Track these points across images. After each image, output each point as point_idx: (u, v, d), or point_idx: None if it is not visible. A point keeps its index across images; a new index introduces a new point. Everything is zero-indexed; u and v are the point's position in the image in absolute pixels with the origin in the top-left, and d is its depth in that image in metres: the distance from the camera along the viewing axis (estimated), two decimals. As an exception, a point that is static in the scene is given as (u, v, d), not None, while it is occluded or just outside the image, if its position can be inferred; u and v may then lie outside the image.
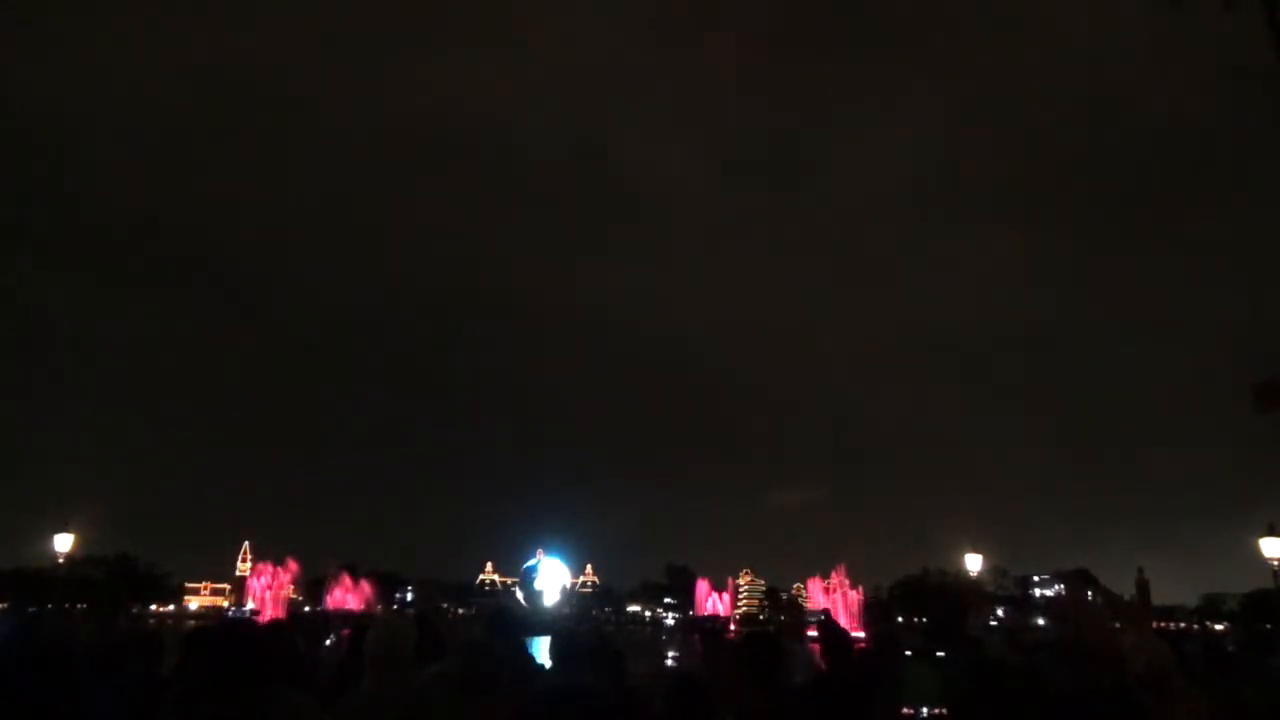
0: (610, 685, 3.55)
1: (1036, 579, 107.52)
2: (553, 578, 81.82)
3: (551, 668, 3.89)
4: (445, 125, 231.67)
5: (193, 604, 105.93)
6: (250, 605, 74.97)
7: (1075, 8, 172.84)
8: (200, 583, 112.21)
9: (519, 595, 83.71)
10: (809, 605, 77.99)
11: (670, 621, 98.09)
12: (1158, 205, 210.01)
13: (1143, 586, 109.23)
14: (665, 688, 3.24)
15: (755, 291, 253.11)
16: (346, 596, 76.04)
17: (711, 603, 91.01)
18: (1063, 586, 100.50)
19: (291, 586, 77.89)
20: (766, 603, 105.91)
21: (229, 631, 4.14)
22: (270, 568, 78.61)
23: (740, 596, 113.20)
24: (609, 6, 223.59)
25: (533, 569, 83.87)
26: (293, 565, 77.17)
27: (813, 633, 5.69)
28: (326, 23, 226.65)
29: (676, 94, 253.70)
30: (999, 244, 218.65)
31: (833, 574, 79.29)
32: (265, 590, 75.63)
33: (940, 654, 4.09)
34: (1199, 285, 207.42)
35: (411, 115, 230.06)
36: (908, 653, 4.88)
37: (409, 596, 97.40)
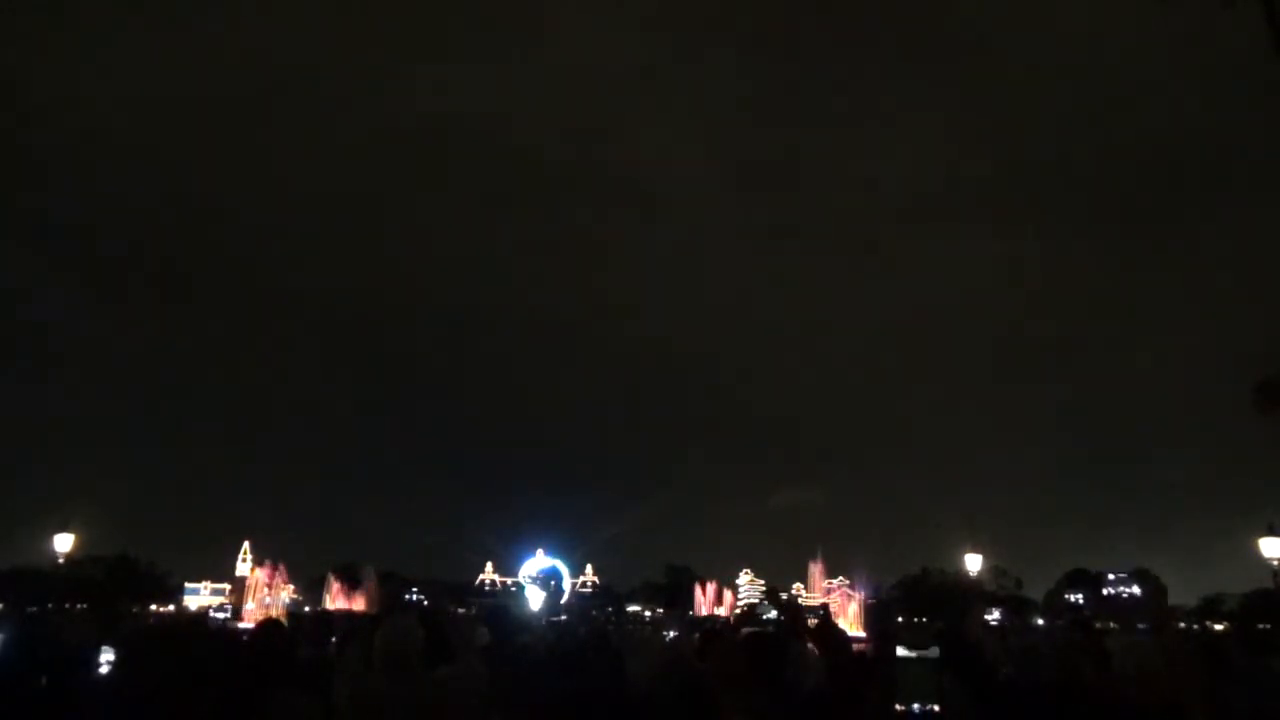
0: (613, 686, 3.57)
1: (1111, 577, 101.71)
2: (563, 579, 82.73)
3: (552, 667, 3.90)
4: (447, 127, 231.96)
5: (193, 604, 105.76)
6: (250, 605, 74.93)
7: (1077, 10, 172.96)
8: (200, 583, 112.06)
9: (531, 594, 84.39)
10: (808, 605, 78.12)
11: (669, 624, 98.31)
12: (1157, 205, 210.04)
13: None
14: (668, 688, 3.25)
15: (758, 292, 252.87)
16: (344, 597, 76.02)
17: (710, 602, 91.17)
18: (1136, 588, 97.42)
19: (292, 586, 77.90)
20: (767, 602, 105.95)
21: (194, 633, 3.99)
22: (270, 568, 78.62)
23: (740, 597, 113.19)
24: (612, 8, 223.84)
25: (554, 570, 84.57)
26: (284, 567, 77.10)
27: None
28: (326, 25, 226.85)
29: (681, 96, 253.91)
30: (998, 246, 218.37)
31: (833, 581, 79.26)
32: (265, 590, 75.64)
33: (933, 654, 4.11)
34: (1199, 285, 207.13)
35: (412, 116, 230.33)
36: (901, 652, 4.91)
37: (415, 598, 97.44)
